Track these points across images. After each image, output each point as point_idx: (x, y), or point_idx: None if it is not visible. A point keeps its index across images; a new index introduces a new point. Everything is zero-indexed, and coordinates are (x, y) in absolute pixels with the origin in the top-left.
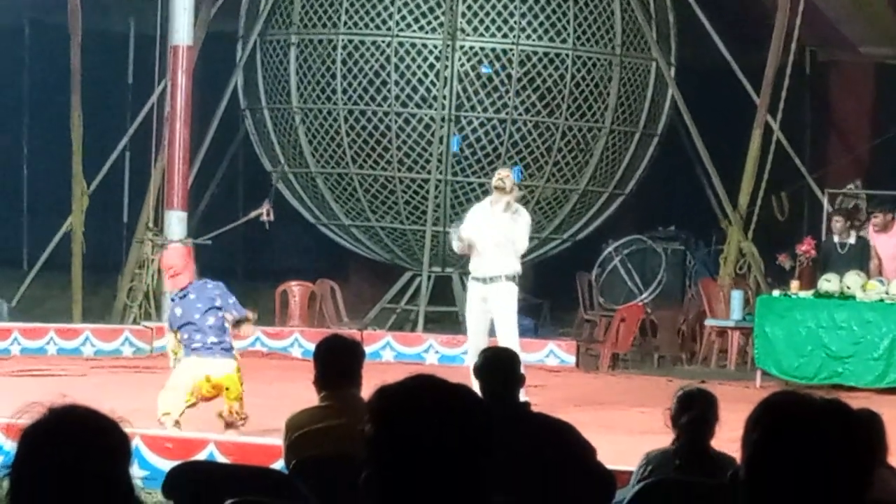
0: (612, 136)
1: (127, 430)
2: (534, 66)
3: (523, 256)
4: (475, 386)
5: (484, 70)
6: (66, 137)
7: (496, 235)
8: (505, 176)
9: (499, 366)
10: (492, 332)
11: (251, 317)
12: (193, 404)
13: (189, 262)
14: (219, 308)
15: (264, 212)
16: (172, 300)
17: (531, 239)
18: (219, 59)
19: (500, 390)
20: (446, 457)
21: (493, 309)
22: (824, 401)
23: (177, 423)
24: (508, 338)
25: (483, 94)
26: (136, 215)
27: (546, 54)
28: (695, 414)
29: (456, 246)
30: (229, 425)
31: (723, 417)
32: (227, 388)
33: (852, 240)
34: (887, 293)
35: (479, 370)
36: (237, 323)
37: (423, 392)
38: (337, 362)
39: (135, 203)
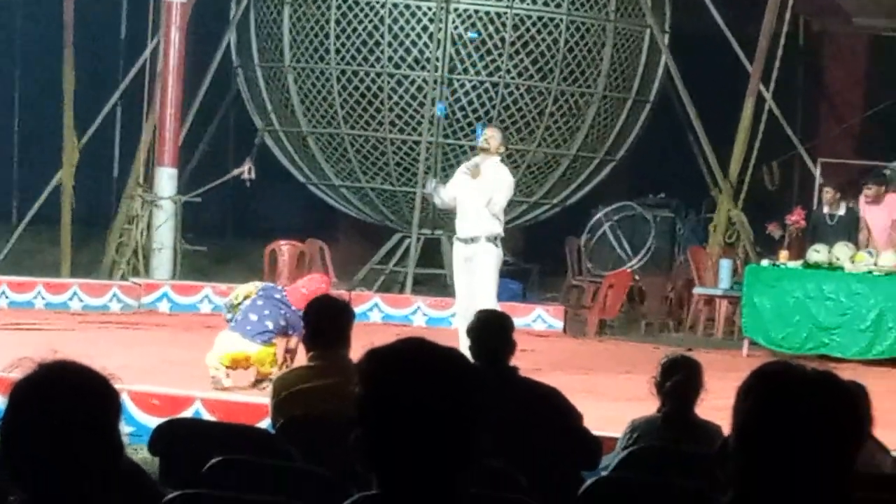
0: (604, 102)
1: (116, 384)
2: (527, 30)
3: (508, 221)
4: (463, 347)
5: (471, 35)
6: (57, 92)
7: (477, 196)
8: (490, 136)
9: (491, 329)
10: None
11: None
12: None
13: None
14: (286, 319)
15: (246, 170)
16: (280, 291)
17: (520, 203)
18: (212, 16)
19: (491, 353)
20: (437, 419)
21: (473, 269)
22: (816, 372)
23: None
24: (484, 299)
25: (476, 56)
26: (126, 171)
27: (540, 18)
28: (678, 380)
29: (438, 201)
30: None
31: (709, 386)
32: (261, 365)
33: (842, 211)
34: (876, 265)
35: (472, 331)
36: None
37: (414, 355)
38: (326, 323)
39: (125, 158)
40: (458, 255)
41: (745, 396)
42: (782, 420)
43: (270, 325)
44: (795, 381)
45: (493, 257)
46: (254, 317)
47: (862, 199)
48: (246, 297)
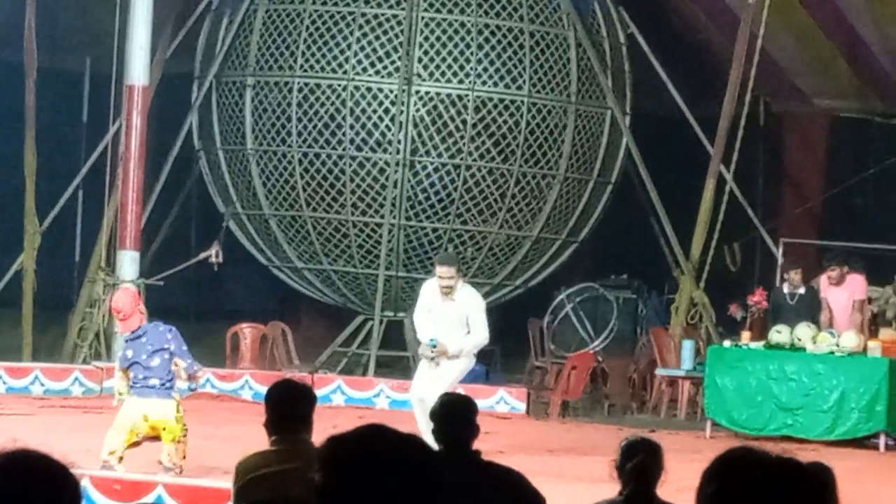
0: (566, 184)
1: (76, 471)
2: (489, 112)
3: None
4: (422, 431)
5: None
6: (19, 175)
7: (450, 319)
8: (447, 275)
9: (455, 413)
10: None
11: (199, 377)
12: (137, 443)
13: (138, 305)
14: (169, 352)
15: (213, 253)
16: (126, 341)
17: (483, 284)
18: (174, 100)
19: (454, 438)
20: None
21: (439, 367)
22: (779, 458)
23: (120, 458)
24: (438, 390)
25: (438, 139)
26: (88, 254)
27: (501, 100)
28: (639, 462)
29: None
30: (167, 470)
31: (672, 467)
32: (164, 430)
33: (802, 290)
34: (837, 345)
35: (435, 415)
36: (189, 377)
37: (374, 442)
38: (288, 407)
39: (87, 242)
40: (426, 366)
41: (708, 482)
42: None
43: (157, 380)
44: (758, 466)
45: (462, 362)
46: (154, 379)
47: (824, 279)
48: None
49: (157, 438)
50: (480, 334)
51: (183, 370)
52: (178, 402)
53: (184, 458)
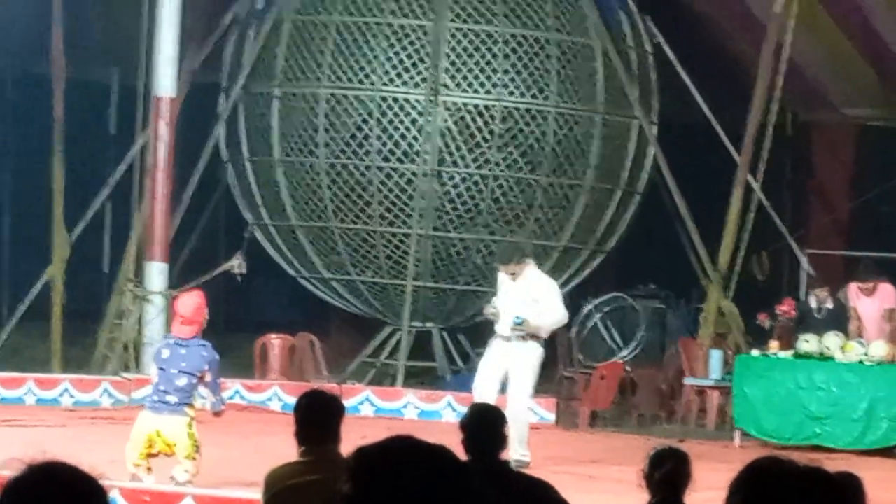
0: (593, 194)
1: (105, 483)
2: (516, 122)
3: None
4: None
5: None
6: (48, 186)
7: (516, 300)
8: (511, 273)
9: (484, 423)
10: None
11: (221, 414)
12: (154, 454)
13: (200, 316)
14: (199, 379)
15: (236, 264)
16: (168, 341)
17: None
18: (202, 111)
19: (483, 447)
20: None
21: (510, 365)
22: (807, 467)
23: (148, 469)
24: (517, 396)
25: (465, 149)
26: (116, 265)
27: (528, 110)
28: (667, 471)
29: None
30: (179, 486)
31: (701, 477)
32: (176, 445)
33: (830, 304)
34: (866, 354)
35: (465, 424)
36: (214, 413)
37: (403, 453)
38: (316, 418)
39: (116, 253)
40: (497, 348)
41: (735, 491)
42: None
43: (175, 399)
44: (786, 475)
45: (534, 355)
46: (171, 397)
47: (853, 288)
48: None
49: (170, 455)
50: (557, 311)
51: (209, 404)
52: (192, 418)
53: (196, 473)
